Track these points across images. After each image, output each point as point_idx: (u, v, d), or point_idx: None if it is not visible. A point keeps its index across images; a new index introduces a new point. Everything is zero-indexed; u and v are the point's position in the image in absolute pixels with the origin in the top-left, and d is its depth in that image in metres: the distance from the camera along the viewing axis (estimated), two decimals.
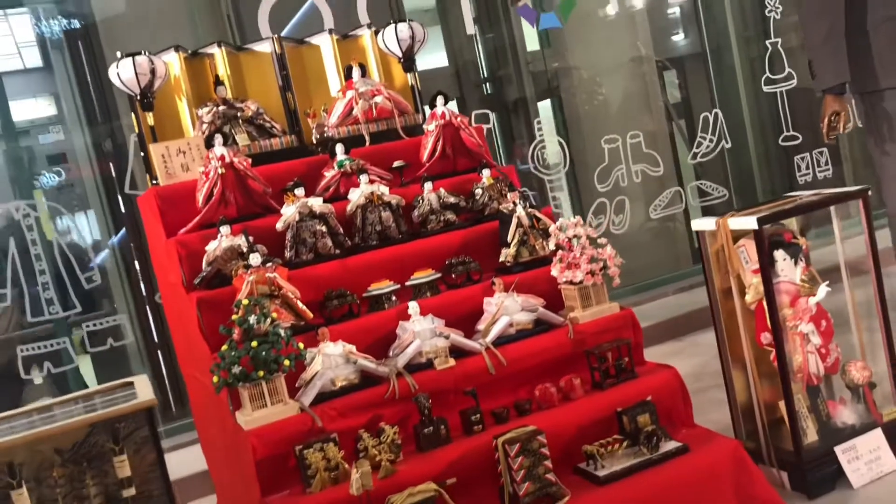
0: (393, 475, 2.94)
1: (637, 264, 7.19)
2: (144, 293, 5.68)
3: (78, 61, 5.79)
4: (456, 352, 3.35)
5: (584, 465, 3.14)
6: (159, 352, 5.82)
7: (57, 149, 5.73)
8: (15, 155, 5.38)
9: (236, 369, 2.95)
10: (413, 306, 3.36)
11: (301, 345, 3.11)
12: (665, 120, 7.84)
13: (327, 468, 2.93)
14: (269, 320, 3.07)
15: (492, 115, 6.53)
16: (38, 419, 2.52)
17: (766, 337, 3.45)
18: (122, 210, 5.71)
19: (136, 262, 5.69)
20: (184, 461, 4.72)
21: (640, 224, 7.28)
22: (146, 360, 5.82)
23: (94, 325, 5.30)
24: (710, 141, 7.42)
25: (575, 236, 3.57)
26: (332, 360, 3.18)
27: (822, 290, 3.41)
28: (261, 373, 2.98)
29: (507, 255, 3.72)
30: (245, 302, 3.06)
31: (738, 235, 3.48)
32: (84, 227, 5.74)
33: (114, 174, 5.72)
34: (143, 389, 2.48)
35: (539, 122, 6.83)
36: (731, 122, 7.49)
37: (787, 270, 3.44)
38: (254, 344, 2.98)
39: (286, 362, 3.02)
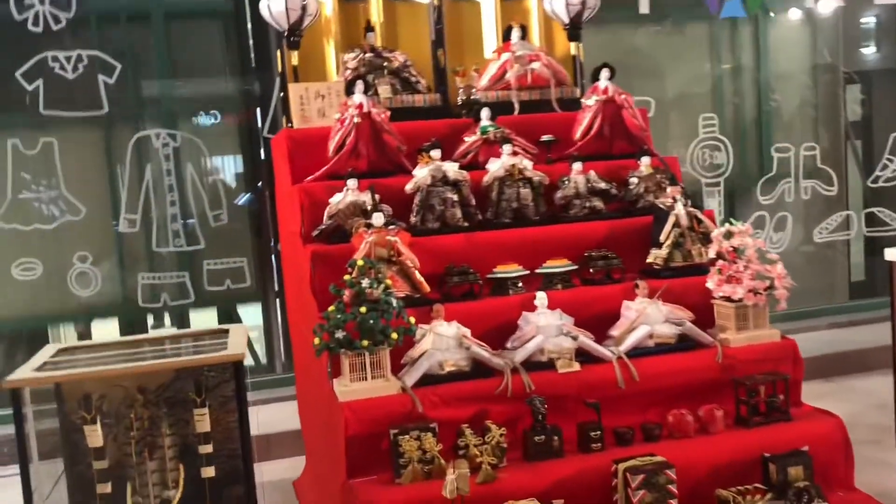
0: (493, 482, 2.59)
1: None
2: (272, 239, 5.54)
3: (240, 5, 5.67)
4: (582, 356, 2.96)
5: None
6: (278, 300, 5.69)
7: (208, 88, 5.66)
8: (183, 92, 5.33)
9: (340, 334, 2.68)
10: (541, 297, 2.99)
11: (412, 319, 2.81)
12: (843, 137, 7.04)
13: (421, 460, 2.62)
14: (382, 287, 2.79)
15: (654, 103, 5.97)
16: (127, 354, 2.35)
17: None
18: (262, 156, 5.60)
19: (269, 208, 5.55)
20: (287, 415, 4.56)
21: (799, 245, 6.55)
22: (262, 307, 5.72)
23: (215, 264, 5.24)
24: None
25: (741, 246, 3.08)
26: (443, 341, 2.87)
27: None
28: (365, 342, 2.71)
29: (657, 256, 3.28)
30: (360, 263, 2.78)
31: None
32: (220, 168, 5.68)
33: (259, 118, 5.62)
34: (237, 340, 2.25)
35: (705, 119, 6.23)
36: None
37: None
38: (362, 310, 2.70)
39: (394, 335, 2.73)
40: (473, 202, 3.32)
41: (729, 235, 3.12)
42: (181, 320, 5.36)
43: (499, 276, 3.18)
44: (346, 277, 2.76)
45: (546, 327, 2.94)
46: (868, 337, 5.62)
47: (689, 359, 3.01)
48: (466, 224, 3.29)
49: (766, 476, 2.73)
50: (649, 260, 3.30)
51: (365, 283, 2.73)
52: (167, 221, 5.12)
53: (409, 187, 3.28)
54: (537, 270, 3.23)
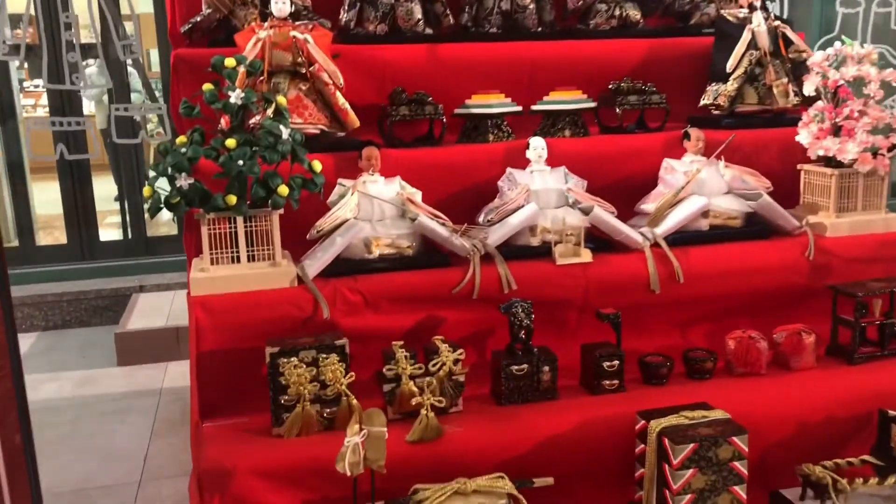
0: (436, 440, 1.54)
1: None
2: None
3: None
4: (597, 240, 1.89)
5: (798, 495, 1.65)
6: None
7: None
8: None
9: (184, 181, 1.56)
10: (537, 145, 1.93)
11: (317, 164, 1.69)
12: None
13: (318, 399, 1.56)
14: (272, 107, 1.66)
15: None
16: None
17: None
18: None
19: None
20: None
21: None
22: None
23: (124, 109, 4.07)
24: None
25: (858, 79, 1.94)
26: (375, 206, 1.77)
27: None
28: (232, 198, 1.60)
29: (719, 93, 2.18)
30: (230, 63, 1.63)
31: None
32: None
33: None
34: None
35: None
36: None
37: None
38: (229, 143, 1.58)
39: (282, 189, 1.61)
40: None
41: (838, 62, 1.97)
42: None
43: (474, 111, 2.10)
44: (206, 87, 1.62)
45: (542, 192, 1.87)
46: None
47: (763, 251, 2.02)
48: (429, 31, 2.15)
49: (882, 442, 1.70)
50: (706, 101, 2.24)
51: (234, 97, 1.59)
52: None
53: None
54: (534, 107, 2.16)
